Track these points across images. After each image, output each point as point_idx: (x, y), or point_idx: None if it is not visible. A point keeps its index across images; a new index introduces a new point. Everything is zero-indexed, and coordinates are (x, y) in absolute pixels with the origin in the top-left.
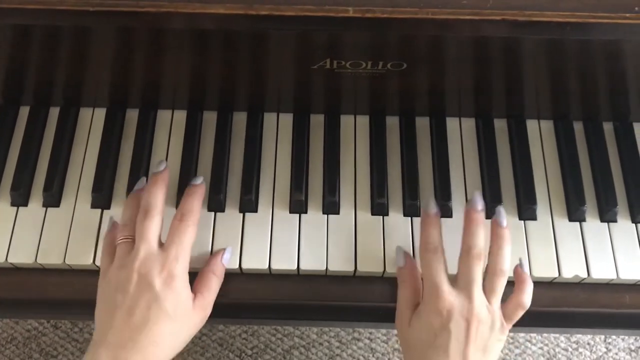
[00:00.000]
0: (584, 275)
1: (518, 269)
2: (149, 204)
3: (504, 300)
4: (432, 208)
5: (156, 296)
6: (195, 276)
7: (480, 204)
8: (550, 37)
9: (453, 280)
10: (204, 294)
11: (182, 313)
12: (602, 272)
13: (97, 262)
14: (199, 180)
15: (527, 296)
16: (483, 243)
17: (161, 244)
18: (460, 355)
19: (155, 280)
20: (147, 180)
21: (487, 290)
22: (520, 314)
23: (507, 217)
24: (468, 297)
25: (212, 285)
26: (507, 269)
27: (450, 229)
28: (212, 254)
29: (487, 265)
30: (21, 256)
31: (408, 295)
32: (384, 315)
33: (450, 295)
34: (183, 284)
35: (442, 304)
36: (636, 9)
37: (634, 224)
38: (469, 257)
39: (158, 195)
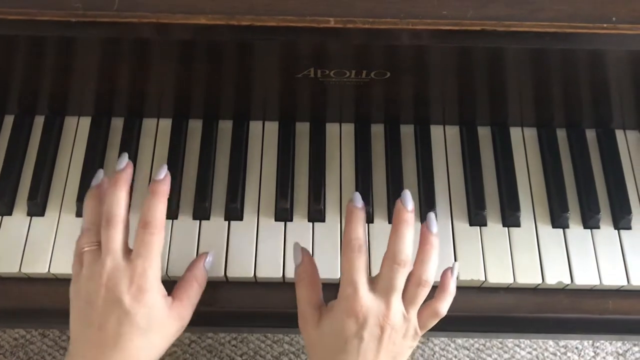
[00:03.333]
0: (567, 281)
1: (447, 274)
2: (110, 212)
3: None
4: (359, 201)
5: (126, 312)
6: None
7: (410, 204)
8: (530, 47)
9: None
10: (183, 301)
11: (157, 324)
12: (586, 278)
13: None
14: (162, 173)
15: (445, 305)
16: (411, 249)
17: (129, 251)
18: None
19: (124, 296)
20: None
21: (407, 299)
22: (435, 322)
23: (437, 225)
24: (386, 303)
25: (192, 293)
26: (431, 280)
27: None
28: (195, 258)
29: (411, 272)
30: (5, 266)
31: (308, 293)
32: None
33: (367, 299)
34: (155, 296)
35: (358, 307)
36: (613, 19)
37: (616, 230)
38: (394, 264)
39: (120, 199)
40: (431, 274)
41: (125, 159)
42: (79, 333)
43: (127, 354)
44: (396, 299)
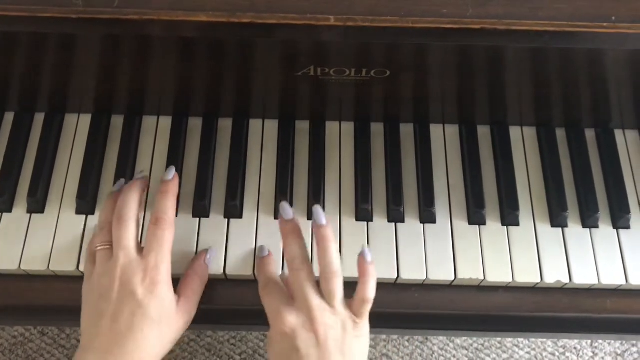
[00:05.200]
0: (566, 280)
1: (361, 260)
2: (121, 210)
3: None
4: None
5: (139, 304)
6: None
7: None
8: (530, 46)
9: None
10: (188, 296)
11: (167, 317)
12: (584, 277)
13: (82, 269)
14: (171, 174)
15: (370, 290)
16: (301, 250)
17: (140, 248)
18: None
19: (138, 288)
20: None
21: (325, 294)
22: (368, 308)
23: (325, 215)
24: (306, 308)
25: (196, 288)
26: (338, 269)
27: (434, 235)
28: (196, 255)
29: (319, 269)
30: (5, 263)
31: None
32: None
33: (289, 315)
34: (166, 289)
35: (282, 326)
36: (613, 18)
37: (615, 230)
38: (293, 270)
39: (132, 200)
40: (335, 264)
41: (143, 173)
42: (92, 326)
43: (139, 343)
44: (313, 299)
